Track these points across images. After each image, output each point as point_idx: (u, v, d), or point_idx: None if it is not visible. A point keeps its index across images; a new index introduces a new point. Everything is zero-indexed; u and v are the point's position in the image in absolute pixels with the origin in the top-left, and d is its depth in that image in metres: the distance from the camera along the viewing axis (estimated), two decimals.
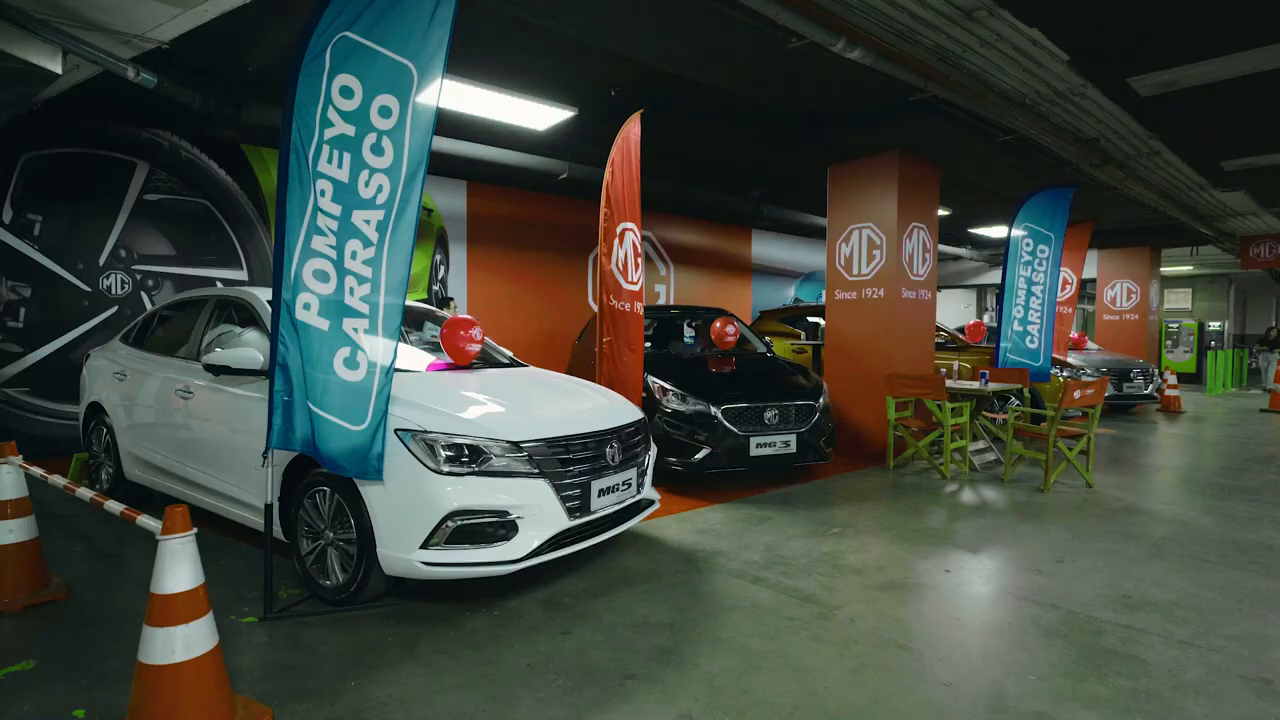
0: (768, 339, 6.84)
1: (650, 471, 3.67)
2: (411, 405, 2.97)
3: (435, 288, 8.26)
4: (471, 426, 2.89)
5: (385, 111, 2.73)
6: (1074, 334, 10.71)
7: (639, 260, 5.13)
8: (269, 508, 2.93)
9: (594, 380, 5.52)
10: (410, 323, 4.63)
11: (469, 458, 2.81)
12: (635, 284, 5.08)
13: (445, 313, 8.09)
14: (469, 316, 4.09)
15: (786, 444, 5.06)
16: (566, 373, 8.29)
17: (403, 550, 2.74)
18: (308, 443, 2.87)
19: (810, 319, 7.78)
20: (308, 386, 2.83)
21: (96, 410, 4.74)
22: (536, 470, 2.90)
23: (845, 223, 6.97)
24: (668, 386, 5.19)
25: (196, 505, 3.60)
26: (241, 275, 7.02)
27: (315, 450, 2.87)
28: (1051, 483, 5.33)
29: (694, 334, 6.56)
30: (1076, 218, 9.62)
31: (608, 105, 5.56)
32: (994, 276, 15.63)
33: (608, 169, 5.17)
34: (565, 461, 3.02)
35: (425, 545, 2.72)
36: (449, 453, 2.80)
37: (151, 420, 4.16)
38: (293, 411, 2.88)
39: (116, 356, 4.67)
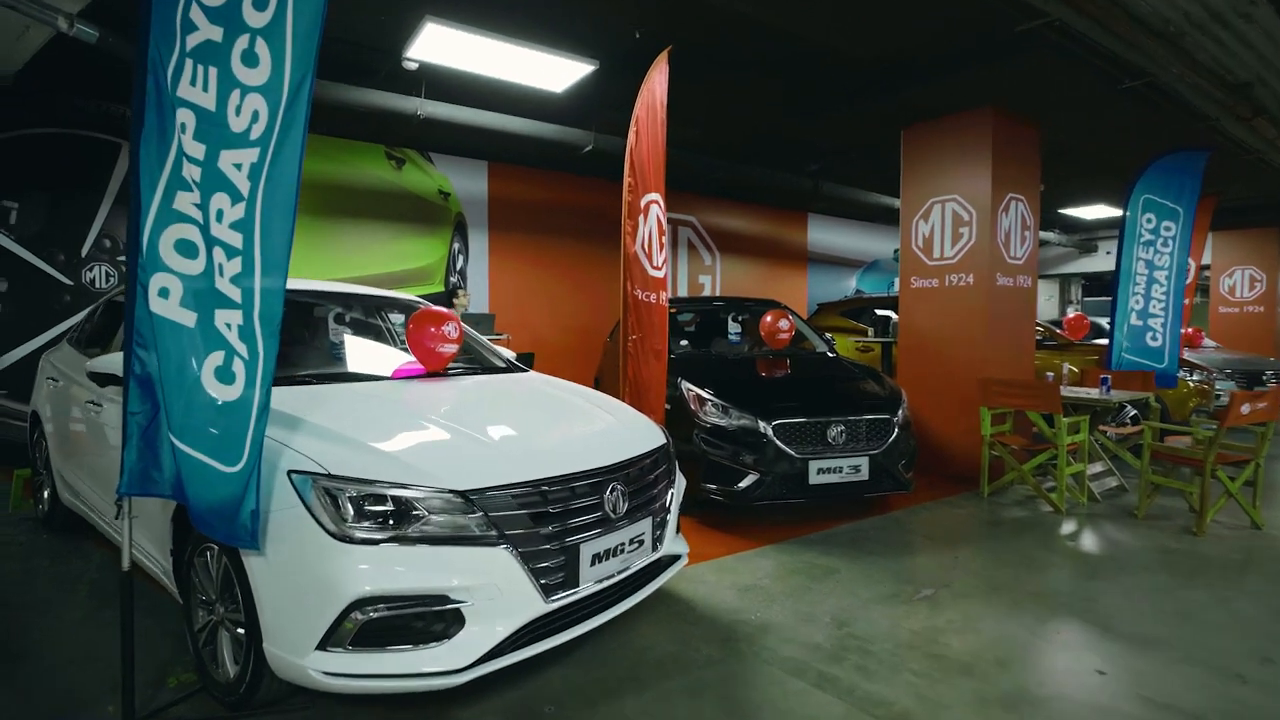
0: (829, 336, 5.75)
1: (674, 516, 2.70)
2: (320, 435, 2.08)
3: (453, 279, 7.47)
4: (399, 468, 1.97)
5: (260, 1, 1.84)
6: (1187, 328, 9.14)
7: (663, 240, 4.14)
8: (127, 578, 2.10)
9: (620, 386, 4.58)
10: (382, 316, 3.80)
11: (391, 516, 1.90)
12: (660, 269, 4.09)
13: (458, 305, 7.39)
14: (445, 310, 3.19)
15: (856, 469, 4.00)
16: (596, 375, 7.38)
17: (293, 651, 1.85)
18: (177, 487, 2.03)
19: (879, 312, 6.64)
20: (169, 408, 1.97)
21: (36, 421, 4.09)
22: (494, 532, 1.97)
23: (924, 196, 5.80)
24: (706, 395, 4.19)
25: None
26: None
27: (184, 499, 2.02)
28: (1207, 523, 4.09)
29: (740, 330, 5.53)
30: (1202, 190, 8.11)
31: (632, 54, 4.58)
32: (1082, 265, 13.97)
33: (631, 129, 4.21)
34: (540, 517, 2.08)
35: (324, 645, 1.83)
36: (361, 508, 1.89)
37: (69, 437, 3.44)
38: (157, 442, 2.04)
39: (55, 359, 3.99)
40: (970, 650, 2.61)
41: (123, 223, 5.88)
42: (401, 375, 3.03)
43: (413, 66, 4.79)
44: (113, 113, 5.80)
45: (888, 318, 6.40)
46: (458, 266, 7.52)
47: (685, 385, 4.32)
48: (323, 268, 6.71)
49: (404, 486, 1.91)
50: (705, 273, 9.41)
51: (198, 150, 1.92)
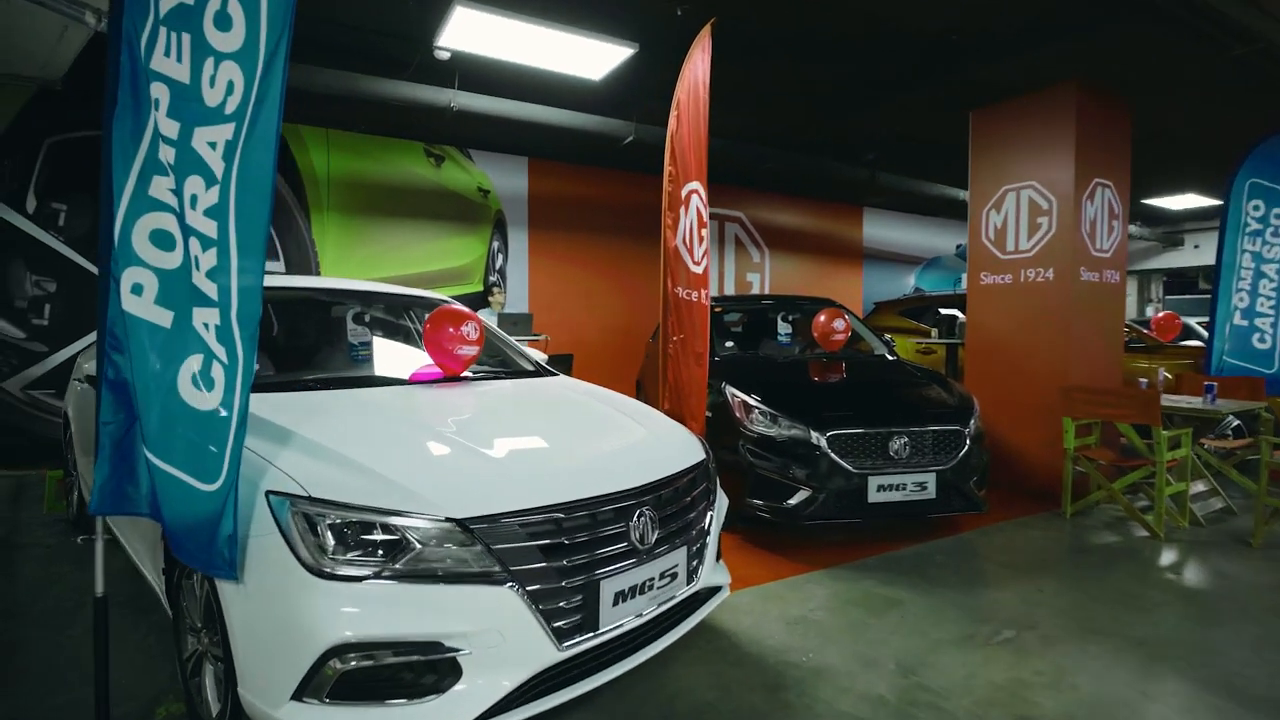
0: (888, 337, 5.30)
1: (715, 541, 2.37)
2: (310, 450, 1.83)
3: (492, 279, 7.30)
4: (389, 491, 1.70)
5: None
6: None
7: (704, 233, 3.81)
8: (102, 605, 1.91)
9: (659, 390, 4.27)
10: (403, 317, 3.59)
11: (377, 547, 1.64)
12: (700, 264, 3.77)
13: (494, 305, 7.20)
14: (465, 309, 2.95)
15: (922, 486, 3.58)
16: (637, 378, 7.09)
17: (266, 699, 1.60)
18: (154, 505, 1.82)
19: (943, 311, 6.13)
20: (143, 417, 1.76)
21: (66, 422, 4.05)
22: (498, 568, 1.68)
23: (996, 184, 5.29)
24: (753, 402, 3.83)
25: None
26: (278, 267, 6.33)
27: (161, 519, 1.81)
28: None
29: (790, 330, 5.14)
30: None
31: (674, 35, 4.27)
32: (1166, 260, 12.94)
33: (672, 114, 3.90)
34: (554, 550, 1.78)
35: (300, 696, 1.58)
36: (343, 537, 1.63)
37: (87, 439, 3.34)
38: (132, 455, 1.83)
39: (84, 359, 3.94)
40: (1067, 713, 2.19)
41: None
42: (419, 380, 2.79)
43: (444, 56, 4.59)
44: None
45: (953, 317, 5.90)
46: (497, 265, 7.34)
47: (730, 391, 3.97)
48: (359, 267, 6.62)
49: (393, 513, 1.65)
50: (753, 270, 9.01)
51: (172, 129, 1.70)
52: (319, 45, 4.54)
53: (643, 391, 6.53)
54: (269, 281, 3.22)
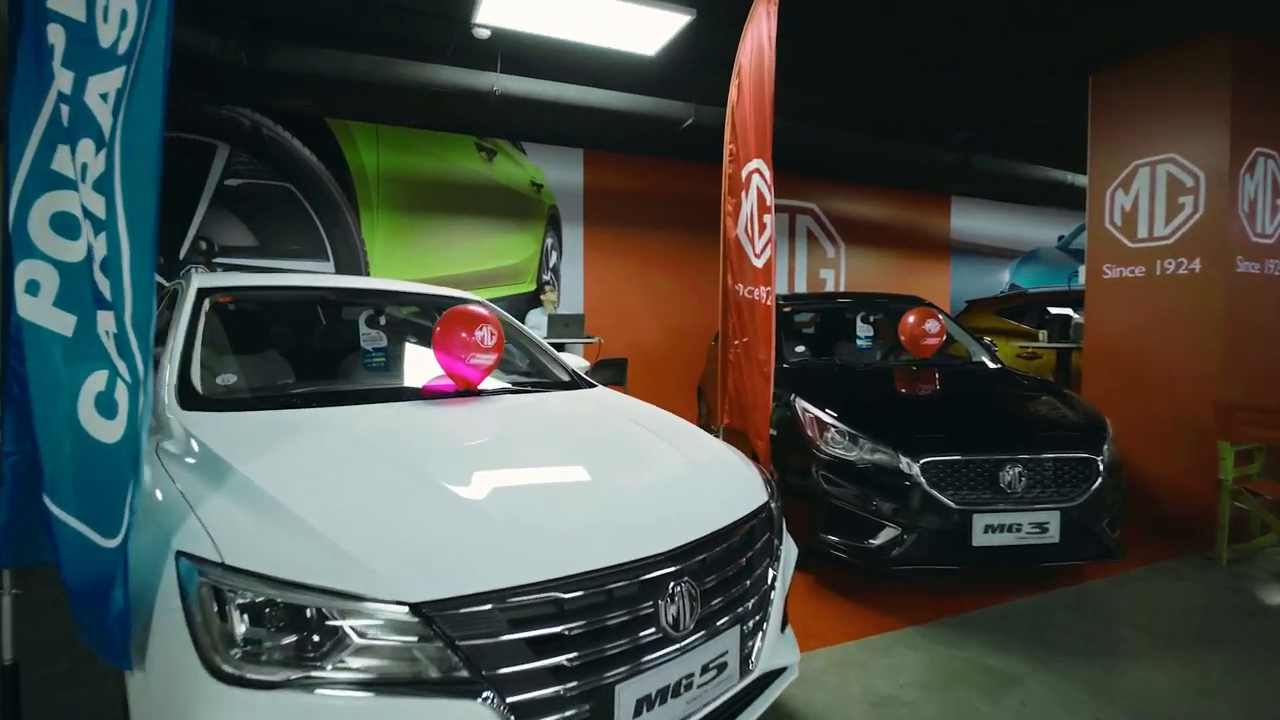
0: (989, 340, 4.56)
1: (780, 607, 1.82)
2: (244, 496, 1.41)
3: (545, 278, 6.93)
4: (328, 559, 1.26)
5: None
6: None
7: (766, 219, 3.25)
8: (10, 674, 1.56)
9: (718, 402, 3.75)
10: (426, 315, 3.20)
11: (305, 640, 1.19)
12: (762, 257, 3.21)
13: (546, 304, 6.82)
14: (481, 309, 2.51)
15: (1041, 528, 2.90)
16: (699, 384, 6.56)
17: None
18: (59, 560, 1.46)
19: (1054, 310, 5.30)
20: (40, 450, 1.40)
21: None
22: (465, 671, 1.21)
23: (1123, 159, 4.46)
24: (829, 419, 3.24)
25: None
26: (328, 268, 6.16)
27: (63, 581, 1.44)
28: None
29: (872, 333, 4.48)
30: None
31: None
32: None
33: (733, 83, 3.38)
34: (546, 643, 1.30)
35: None
36: (259, 623, 1.20)
37: None
38: (31, 496, 1.48)
39: None
40: None
41: (218, 224, 5.82)
42: (430, 393, 2.38)
43: (484, 34, 4.21)
44: (208, 114, 5.76)
45: (1066, 317, 5.07)
46: (550, 264, 6.97)
47: (801, 405, 3.39)
48: (408, 266, 6.39)
49: (326, 593, 1.20)
50: (827, 267, 8.30)
51: (67, 81, 1.32)
52: (352, 31, 4.26)
53: (704, 399, 6.00)
54: (271, 280, 2.90)
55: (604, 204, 7.08)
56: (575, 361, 3.18)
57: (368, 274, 6.23)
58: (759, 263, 3.23)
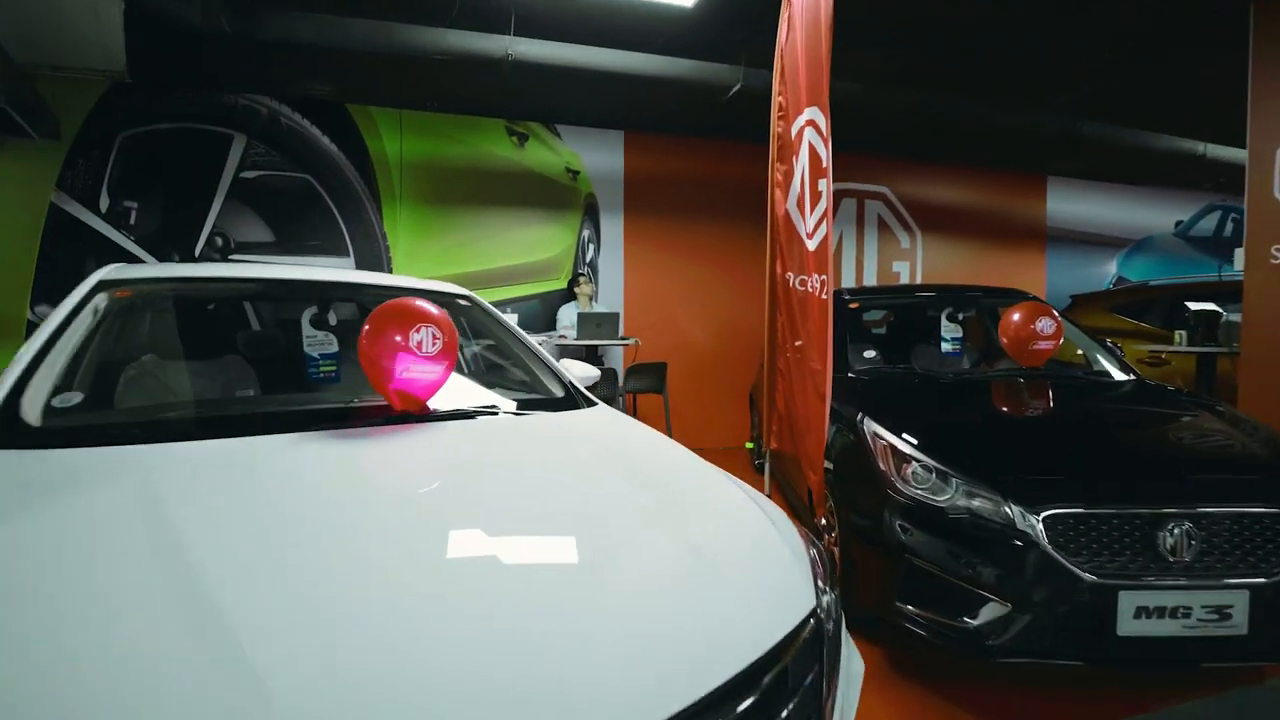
0: (1112, 344, 3.62)
1: None
2: None
3: (581, 273, 6.32)
4: None
5: None
6: None
7: (821, 185, 2.49)
8: None
9: (764, 421, 3.04)
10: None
11: None
12: (815, 237, 2.47)
13: (580, 298, 6.24)
14: (425, 305, 1.87)
15: (1222, 613, 2.03)
16: (750, 394, 5.79)
17: None
18: None
19: (1194, 306, 4.27)
20: None
21: None
22: None
23: None
24: (908, 449, 2.46)
25: None
26: (348, 264, 5.75)
27: None
28: None
29: (960, 335, 3.63)
30: None
31: None
32: None
33: (781, 21, 2.65)
34: None
35: None
36: None
37: None
38: None
39: None
40: None
41: (234, 218, 5.49)
42: (366, 417, 1.77)
43: None
44: (225, 103, 5.43)
45: (1214, 314, 4.05)
46: (587, 257, 6.35)
47: (871, 428, 2.62)
48: (434, 262, 5.91)
49: None
50: (901, 258, 7.35)
51: None
52: None
53: (755, 409, 5.26)
54: (190, 271, 2.35)
55: (647, 191, 6.41)
56: (578, 370, 2.52)
57: (390, 270, 5.78)
58: (812, 244, 2.48)
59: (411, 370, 1.71)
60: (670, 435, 5.12)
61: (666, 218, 6.47)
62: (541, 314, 6.15)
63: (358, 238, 5.76)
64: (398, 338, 1.71)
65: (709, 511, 1.41)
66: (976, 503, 2.23)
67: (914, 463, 2.40)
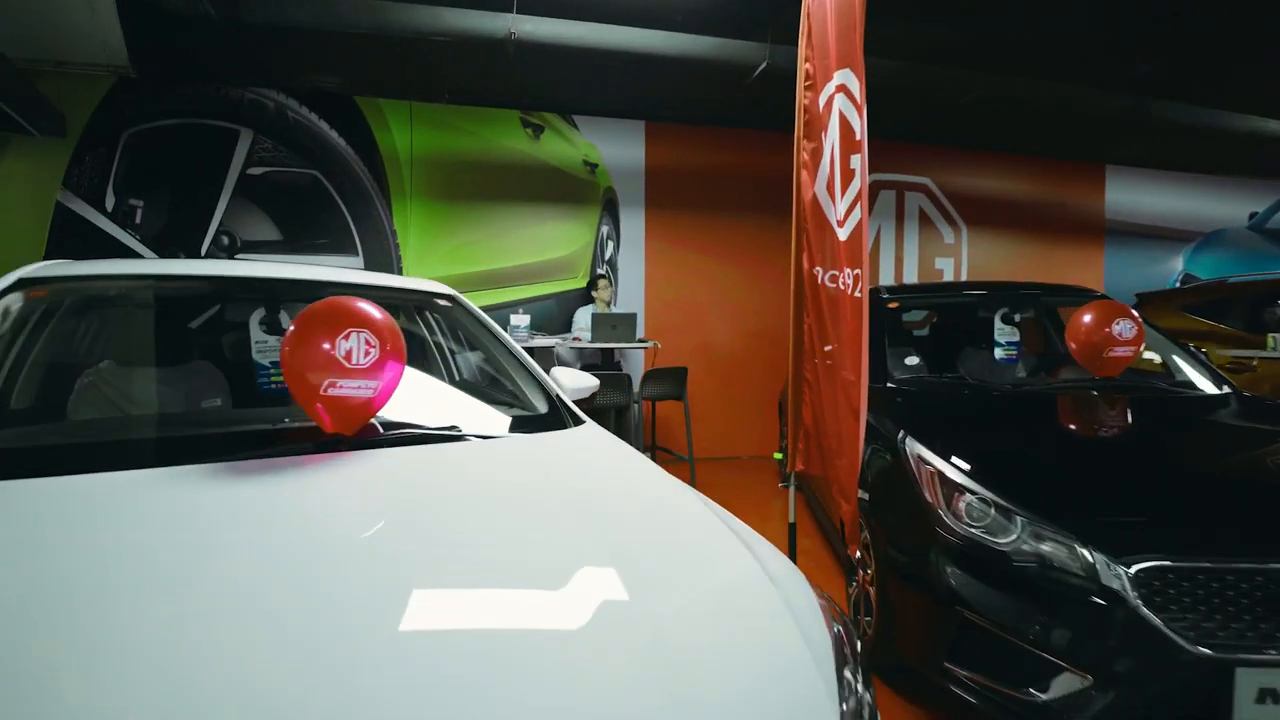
0: (1198, 350, 3.12)
1: None
2: None
3: (600, 271, 5.99)
4: None
5: None
6: None
7: (854, 161, 2.09)
8: None
9: (789, 441, 2.68)
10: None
11: None
12: (847, 225, 2.08)
13: (598, 301, 5.58)
14: (362, 304, 1.54)
15: None
16: (779, 402, 5.36)
17: None
18: None
19: None
20: None
21: None
22: None
23: None
24: (960, 478, 2.05)
25: None
26: (357, 263, 5.52)
27: None
28: None
29: (1017, 339, 3.17)
30: None
31: None
32: None
33: None
34: None
35: None
36: None
37: None
38: None
39: None
40: None
41: (241, 216, 5.31)
42: (299, 442, 1.45)
43: None
44: (231, 98, 5.25)
45: None
46: (605, 255, 6.02)
47: (915, 450, 2.22)
48: (445, 261, 5.65)
49: None
50: (945, 254, 6.84)
51: None
52: None
53: (785, 417, 4.86)
54: (124, 268, 2.07)
55: (670, 184, 6.05)
56: (570, 380, 2.18)
57: (399, 270, 5.54)
58: (843, 233, 2.10)
59: (340, 386, 1.38)
60: (690, 445, 4.63)
61: (691, 212, 6.10)
62: (557, 315, 5.84)
63: (367, 236, 5.53)
64: (325, 345, 1.39)
65: (704, 590, 1.05)
66: (1047, 547, 1.82)
67: (968, 495, 1.99)
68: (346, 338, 1.38)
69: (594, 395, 2.27)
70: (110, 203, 5.12)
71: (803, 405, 2.51)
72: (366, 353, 1.40)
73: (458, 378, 2.20)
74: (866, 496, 2.32)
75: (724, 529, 1.26)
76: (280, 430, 1.52)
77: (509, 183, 5.76)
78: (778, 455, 5.37)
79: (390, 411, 1.57)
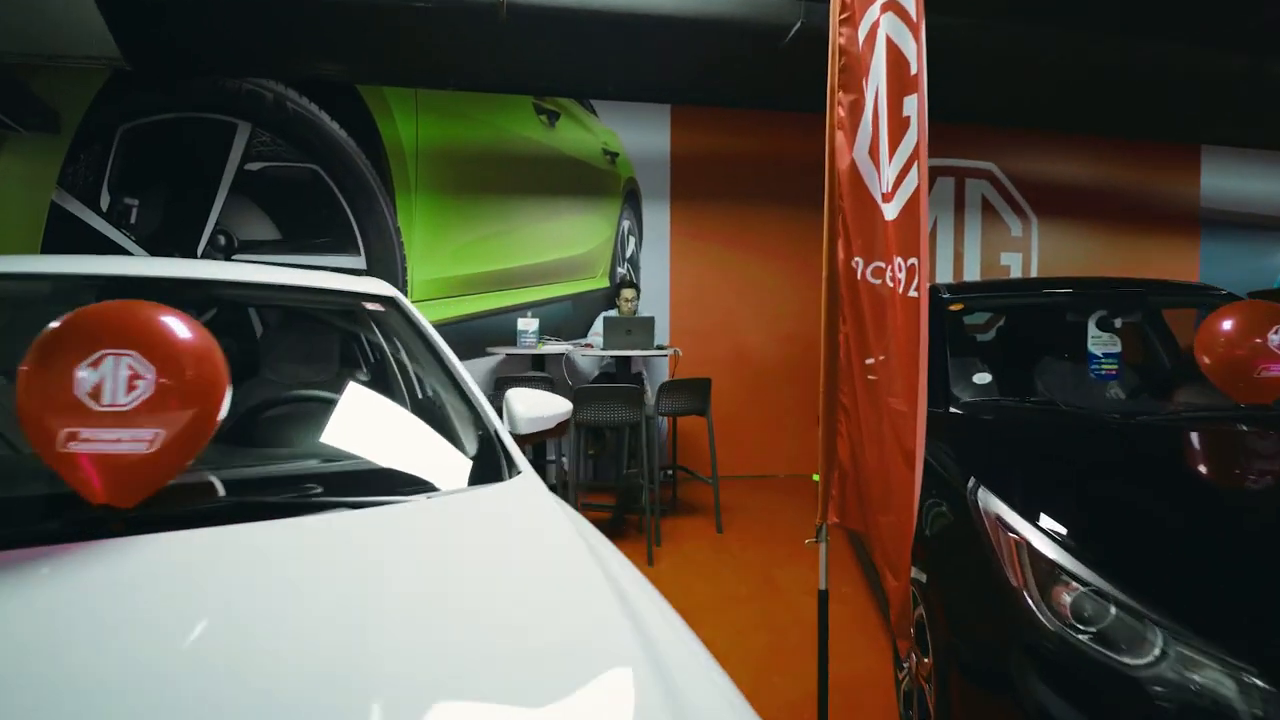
0: None
1: None
2: None
3: (621, 270, 5.48)
4: None
5: None
6: None
7: (909, 105, 1.49)
8: None
9: (821, 487, 2.11)
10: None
11: None
12: (898, 196, 1.49)
13: (622, 308, 4.84)
14: (154, 314, 1.04)
15: None
16: (819, 415, 4.68)
17: None
18: None
19: None
20: None
21: None
22: None
23: None
24: (1063, 556, 1.44)
25: None
26: (358, 263, 5.15)
27: None
28: None
29: (1116, 350, 2.50)
30: None
31: None
32: None
33: None
34: None
35: None
36: None
37: None
38: None
39: None
40: None
41: (238, 214, 5.00)
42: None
43: None
44: (228, 88, 4.94)
45: None
46: (627, 252, 5.50)
47: (992, 508, 1.62)
48: (453, 261, 5.23)
49: None
50: (1012, 249, 6.06)
51: None
52: None
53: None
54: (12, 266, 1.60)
55: (697, 174, 5.49)
56: (526, 405, 1.68)
57: (404, 271, 5.15)
58: (891, 209, 1.52)
59: (89, 438, 0.89)
60: (715, 467, 3.90)
61: (721, 204, 5.52)
62: (574, 318, 5.35)
63: (369, 234, 5.15)
64: (81, 373, 0.90)
65: None
66: (1203, 679, 1.20)
67: (1074, 585, 1.38)
68: (96, 364, 0.89)
69: (562, 425, 1.75)
70: (105, 202, 4.88)
71: (837, 438, 1.93)
72: (130, 387, 0.90)
73: (386, 405, 1.71)
74: (922, 565, 1.73)
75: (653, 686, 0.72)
76: (49, 497, 1.05)
77: (521, 175, 5.29)
78: (816, 477, 4.75)
79: (231, 467, 1.09)
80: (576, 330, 5.30)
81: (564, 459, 4.34)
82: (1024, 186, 6.06)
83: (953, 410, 2.16)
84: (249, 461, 1.36)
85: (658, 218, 5.49)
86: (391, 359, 1.85)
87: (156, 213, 4.94)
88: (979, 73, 4.42)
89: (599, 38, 3.84)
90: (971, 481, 1.68)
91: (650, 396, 4.04)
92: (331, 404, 1.52)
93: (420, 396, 1.67)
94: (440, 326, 5.37)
